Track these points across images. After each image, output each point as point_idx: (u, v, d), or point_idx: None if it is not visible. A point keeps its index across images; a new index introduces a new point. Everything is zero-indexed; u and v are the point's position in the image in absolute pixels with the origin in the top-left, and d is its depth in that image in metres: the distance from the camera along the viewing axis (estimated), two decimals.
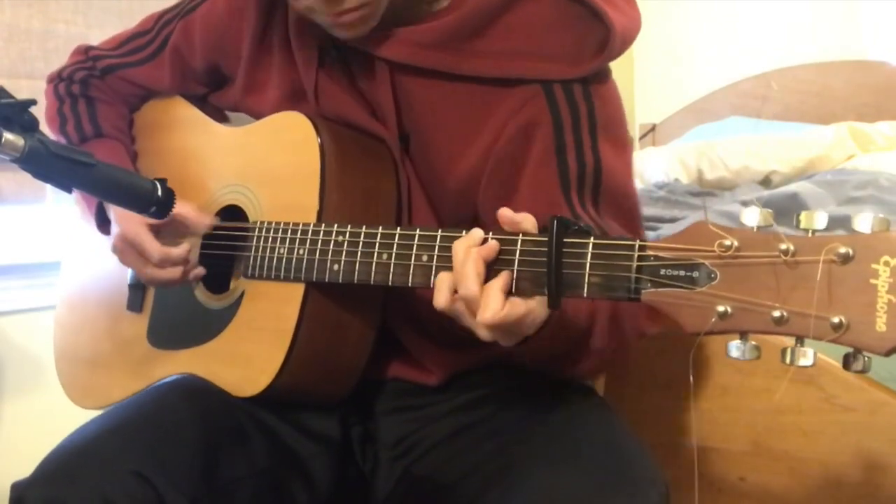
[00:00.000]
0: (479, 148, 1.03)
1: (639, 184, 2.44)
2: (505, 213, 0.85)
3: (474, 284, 0.82)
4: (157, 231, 1.14)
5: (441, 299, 0.86)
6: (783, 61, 2.82)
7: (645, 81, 3.18)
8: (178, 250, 1.13)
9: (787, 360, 0.72)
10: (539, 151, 1.00)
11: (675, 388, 1.41)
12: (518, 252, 0.84)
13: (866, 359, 0.69)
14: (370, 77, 1.09)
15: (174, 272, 1.13)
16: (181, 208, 1.12)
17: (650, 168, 2.52)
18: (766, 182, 2.31)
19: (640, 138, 3.12)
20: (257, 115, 1.19)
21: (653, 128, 3.12)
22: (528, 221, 0.85)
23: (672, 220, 2.00)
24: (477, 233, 0.86)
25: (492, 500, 0.92)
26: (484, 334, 0.85)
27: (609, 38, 0.99)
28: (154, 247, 1.12)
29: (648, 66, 3.12)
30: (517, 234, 0.84)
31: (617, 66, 1.04)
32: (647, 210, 2.07)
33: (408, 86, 1.07)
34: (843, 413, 1.30)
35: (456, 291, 0.85)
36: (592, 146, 1.01)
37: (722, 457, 1.40)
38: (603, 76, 1.04)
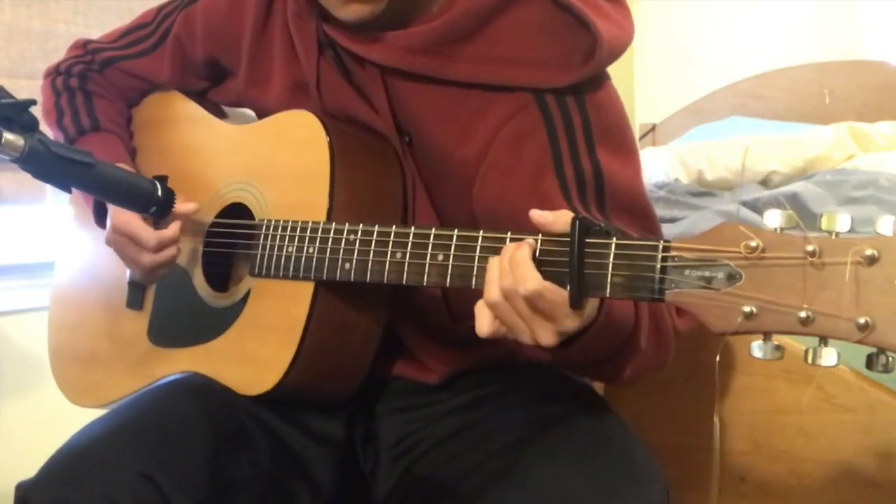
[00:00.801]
0: (472, 151, 1.03)
1: None
2: (536, 215, 0.84)
3: (535, 278, 0.81)
4: (154, 225, 1.14)
5: (485, 323, 0.85)
6: (783, 61, 2.82)
7: (645, 81, 3.18)
8: (170, 231, 1.13)
9: (810, 359, 0.72)
10: (535, 161, 1.00)
11: (675, 387, 1.41)
12: (538, 251, 0.84)
13: (890, 358, 0.71)
14: (364, 78, 1.09)
15: (170, 253, 1.13)
16: (180, 207, 1.12)
17: (650, 168, 2.51)
18: (766, 182, 2.31)
19: (640, 138, 3.12)
20: (261, 108, 1.19)
21: (653, 128, 3.12)
22: (560, 222, 0.84)
23: (672, 221, 2.00)
24: (510, 247, 0.85)
25: (492, 499, 0.93)
26: (526, 332, 0.84)
27: (596, 49, 0.98)
28: (149, 233, 1.12)
29: (648, 66, 3.12)
30: (537, 234, 0.84)
31: (617, 67, 1.03)
32: None
33: (399, 88, 1.07)
34: (843, 413, 1.30)
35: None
36: (589, 153, 1.00)
37: (722, 457, 1.40)
38: (598, 83, 1.03)
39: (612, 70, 1.06)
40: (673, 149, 2.62)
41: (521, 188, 0.99)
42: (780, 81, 2.80)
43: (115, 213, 1.15)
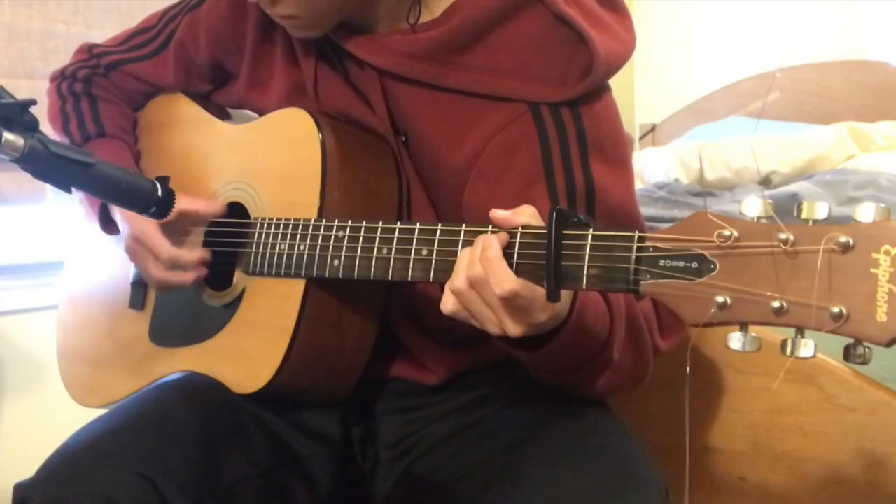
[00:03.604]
0: (464, 157, 1.03)
1: (639, 184, 2.44)
2: (496, 214, 0.85)
3: (510, 278, 0.82)
4: (167, 228, 1.14)
5: (449, 303, 0.86)
6: (783, 61, 2.82)
7: (645, 81, 3.18)
8: (190, 255, 1.13)
9: (788, 351, 0.71)
10: (526, 170, 1.00)
11: (675, 388, 1.41)
12: (517, 244, 0.84)
13: (867, 349, 0.68)
14: (363, 79, 1.09)
15: (183, 276, 1.13)
16: (188, 204, 1.11)
17: (650, 168, 2.52)
18: (766, 182, 2.31)
19: (640, 138, 3.12)
20: (261, 111, 1.19)
21: (653, 128, 3.12)
22: (521, 215, 0.85)
23: (672, 221, 2.00)
24: (482, 240, 0.85)
25: (491, 500, 0.93)
26: (493, 322, 0.84)
27: (592, 65, 0.98)
28: (164, 247, 1.12)
29: (648, 66, 3.12)
30: (517, 227, 0.84)
31: None
32: (647, 210, 2.07)
33: (396, 91, 1.07)
34: (843, 413, 1.30)
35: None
36: (582, 165, 1.00)
37: (722, 457, 1.40)
38: (597, 95, 1.03)
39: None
40: (673, 149, 2.62)
41: (509, 197, 0.99)
42: (780, 81, 2.80)
43: (132, 220, 1.15)
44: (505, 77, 1.01)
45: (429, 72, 1.03)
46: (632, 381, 1.03)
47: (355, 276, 0.98)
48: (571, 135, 1.00)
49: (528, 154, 1.00)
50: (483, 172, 1.02)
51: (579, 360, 0.95)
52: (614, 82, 1.05)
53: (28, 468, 0.96)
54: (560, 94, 1.00)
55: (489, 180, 1.01)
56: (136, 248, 1.15)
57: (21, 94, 0.88)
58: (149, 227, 1.13)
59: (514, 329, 0.84)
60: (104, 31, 1.36)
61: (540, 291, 0.82)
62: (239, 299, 1.11)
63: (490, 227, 0.86)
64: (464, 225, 0.89)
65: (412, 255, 0.92)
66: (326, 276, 1.01)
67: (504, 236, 0.84)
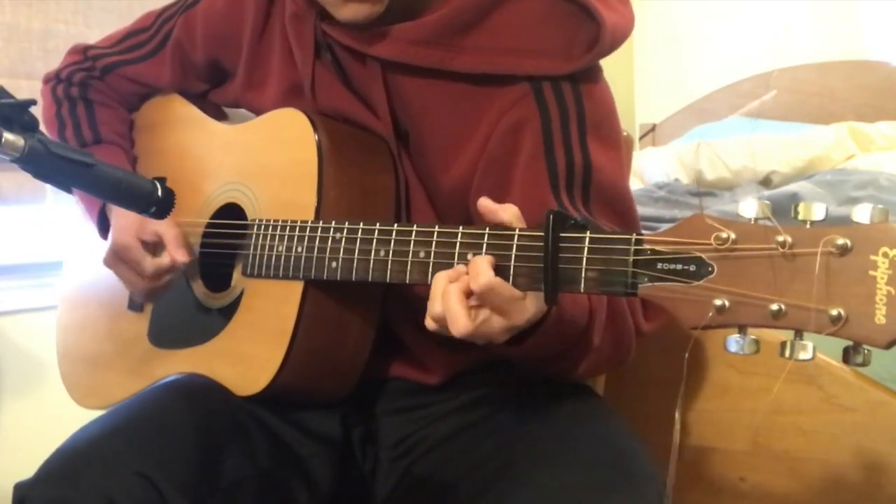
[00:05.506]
0: (472, 149, 1.03)
1: (639, 184, 2.44)
2: (484, 202, 0.85)
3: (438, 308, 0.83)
4: (152, 248, 1.17)
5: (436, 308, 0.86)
6: (783, 61, 2.83)
7: (645, 81, 3.18)
8: (166, 260, 1.15)
9: (787, 353, 0.71)
10: (528, 149, 1.00)
11: (675, 387, 1.41)
12: (515, 247, 0.84)
13: (866, 352, 0.68)
14: (363, 76, 1.09)
15: (166, 280, 1.16)
16: (170, 238, 1.15)
17: (650, 168, 2.52)
18: (766, 182, 2.32)
19: (640, 138, 3.12)
20: (258, 111, 1.19)
21: (653, 128, 3.12)
22: (507, 212, 0.85)
23: (672, 221, 2.00)
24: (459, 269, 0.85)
25: (492, 499, 0.93)
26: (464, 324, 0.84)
27: (599, 36, 0.99)
28: (148, 261, 1.15)
29: (648, 65, 3.12)
30: (514, 230, 0.84)
31: (617, 66, 1.04)
32: (647, 210, 2.07)
33: (400, 85, 1.07)
34: (843, 413, 1.30)
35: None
36: (581, 142, 1.00)
37: (722, 457, 1.40)
38: (594, 76, 1.03)
39: (612, 69, 1.06)
40: (673, 149, 2.62)
41: (515, 179, 1.00)
42: (780, 81, 2.80)
43: (117, 234, 1.16)
44: (510, 55, 1.01)
45: (434, 56, 1.03)
46: (612, 363, 1.04)
47: (353, 279, 0.98)
48: (572, 114, 1.00)
49: (531, 133, 1.00)
50: (493, 157, 1.02)
51: (561, 349, 0.95)
52: (614, 82, 1.06)
53: (28, 468, 0.96)
54: (564, 67, 1.00)
55: (499, 164, 1.02)
56: (118, 264, 1.18)
57: (21, 94, 0.87)
58: (133, 242, 1.16)
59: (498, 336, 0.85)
60: (104, 30, 1.36)
61: (515, 293, 0.82)
62: (237, 301, 1.11)
63: (487, 229, 0.86)
64: (461, 227, 0.89)
65: (409, 258, 0.92)
66: (325, 278, 1.01)
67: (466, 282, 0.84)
